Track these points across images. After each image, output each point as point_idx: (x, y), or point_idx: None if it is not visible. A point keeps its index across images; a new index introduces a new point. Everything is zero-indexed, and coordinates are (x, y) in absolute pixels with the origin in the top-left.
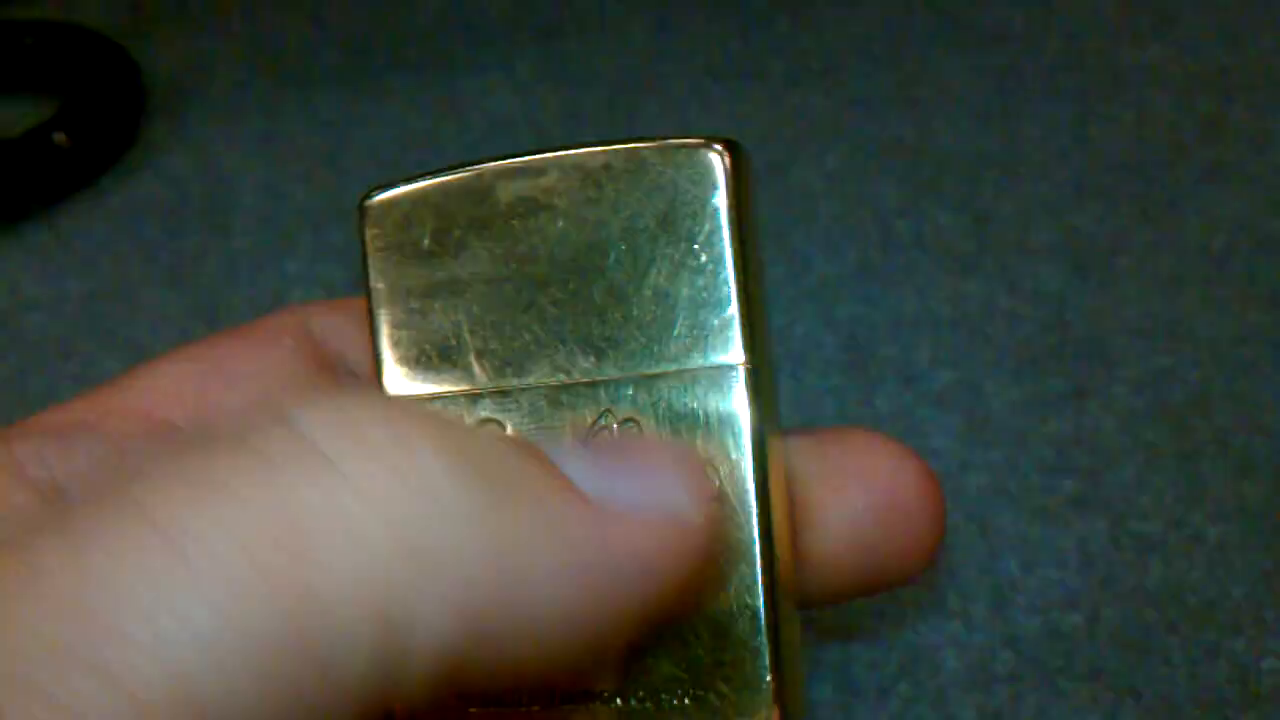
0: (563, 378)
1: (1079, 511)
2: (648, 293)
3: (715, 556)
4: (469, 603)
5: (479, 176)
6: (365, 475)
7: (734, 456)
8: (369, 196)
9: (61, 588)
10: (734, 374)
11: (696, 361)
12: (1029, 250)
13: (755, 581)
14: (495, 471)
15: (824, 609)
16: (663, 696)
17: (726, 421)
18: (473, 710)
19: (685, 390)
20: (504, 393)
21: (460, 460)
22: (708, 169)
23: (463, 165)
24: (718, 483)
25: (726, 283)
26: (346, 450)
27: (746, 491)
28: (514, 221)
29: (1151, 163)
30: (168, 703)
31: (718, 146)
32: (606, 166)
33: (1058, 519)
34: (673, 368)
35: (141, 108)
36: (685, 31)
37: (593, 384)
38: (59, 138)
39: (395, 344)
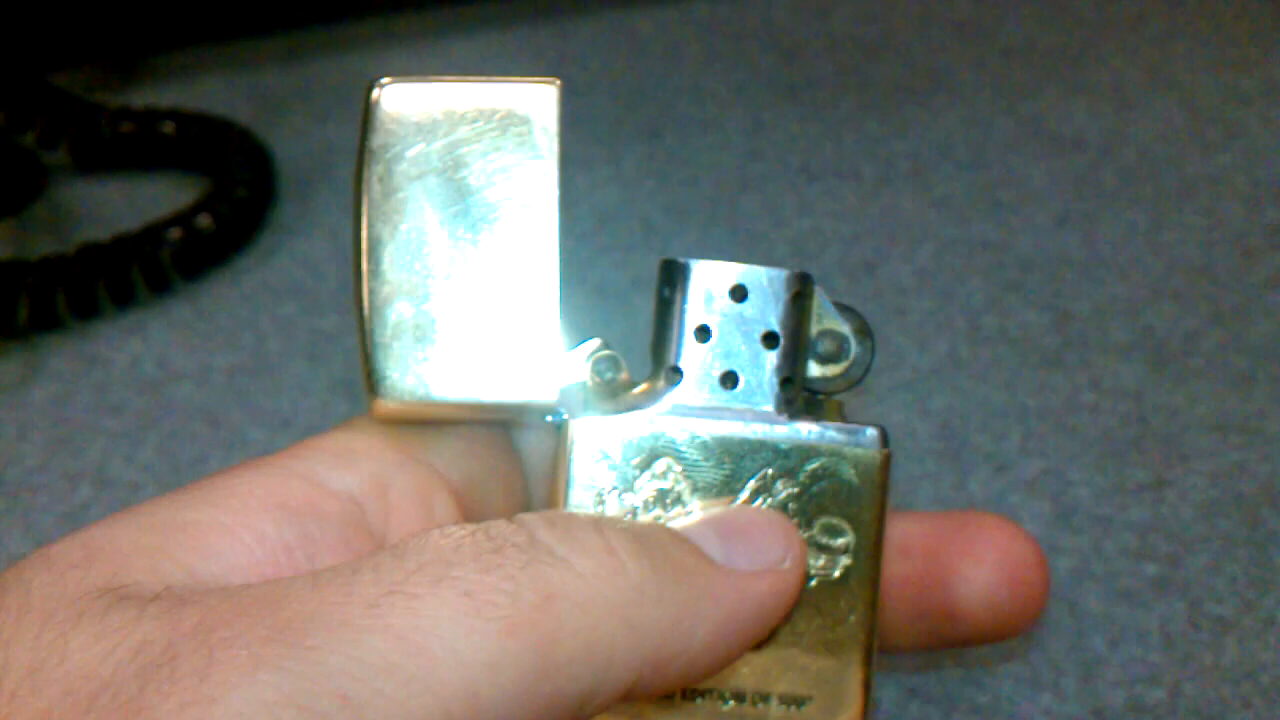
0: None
1: (1159, 594)
2: None
3: (801, 587)
4: (657, 653)
5: None
6: (583, 565)
7: (866, 519)
8: None
9: (389, 621)
10: (874, 457)
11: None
12: (1108, 348)
13: (864, 627)
14: (665, 557)
15: (951, 656)
16: (771, 700)
17: (863, 499)
18: None
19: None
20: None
21: (643, 551)
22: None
23: None
24: (849, 539)
25: None
26: (576, 555)
27: (868, 553)
28: None
29: (1222, 267)
30: (460, 705)
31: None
32: None
33: (1140, 600)
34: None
35: (274, 192)
36: (780, 132)
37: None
38: (203, 220)
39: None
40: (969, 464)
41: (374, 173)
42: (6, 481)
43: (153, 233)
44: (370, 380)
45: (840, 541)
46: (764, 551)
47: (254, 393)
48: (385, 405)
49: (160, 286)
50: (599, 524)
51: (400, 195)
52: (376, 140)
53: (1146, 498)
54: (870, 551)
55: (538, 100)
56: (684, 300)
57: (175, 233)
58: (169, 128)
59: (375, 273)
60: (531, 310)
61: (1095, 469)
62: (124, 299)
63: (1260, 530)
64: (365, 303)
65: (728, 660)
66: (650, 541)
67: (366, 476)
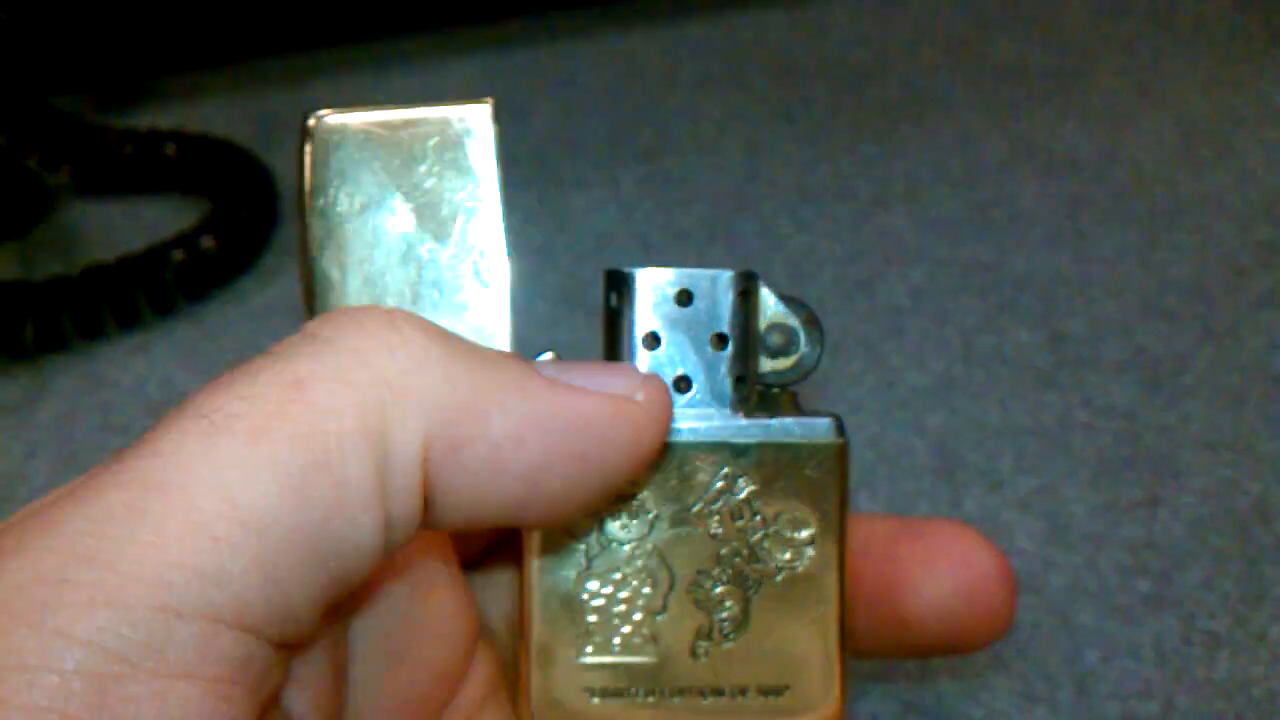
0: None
1: (1153, 609)
2: None
3: (660, 438)
4: (438, 428)
5: None
6: (358, 345)
7: (827, 509)
8: None
9: (128, 473)
10: (831, 446)
11: None
12: (1101, 367)
13: (833, 615)
14: (468, 347)
15: (946, 670)
16: (750, 692)
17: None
18: (595, 701)
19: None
20: None
21: (438, 335)
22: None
23: None
24: (812, 531)
25: None
26: (348, 334)
27: (833, 541)
28: None
29: (1213, 286)
30: (222, 516)
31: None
32: None
33: (1133, 616)
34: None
35: (276, 214)
36: (776, 154)
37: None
38: (206, 241)
39: None
40: (964, 482)
41: (316, 207)
42: (15, 500)
43: (156, 254)
44: None
45: (804, 534)
46: (606, 382)
47: None
48: None
49: (164, 308)
50: (393, 312)
51: (345, 227)
52: (316, 176)
53: (1139, 515)
54: (835, 540)
55: (472, 122)
56: (631, 309)
57: (179, 254)
58: (171, 150)
59: (326, 307)
60: (484, 329)
61: (1089, 486)
62: (128, 320)
63: (1251, 546)
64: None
65: (563, 482)
66: (453, 338)
67: None
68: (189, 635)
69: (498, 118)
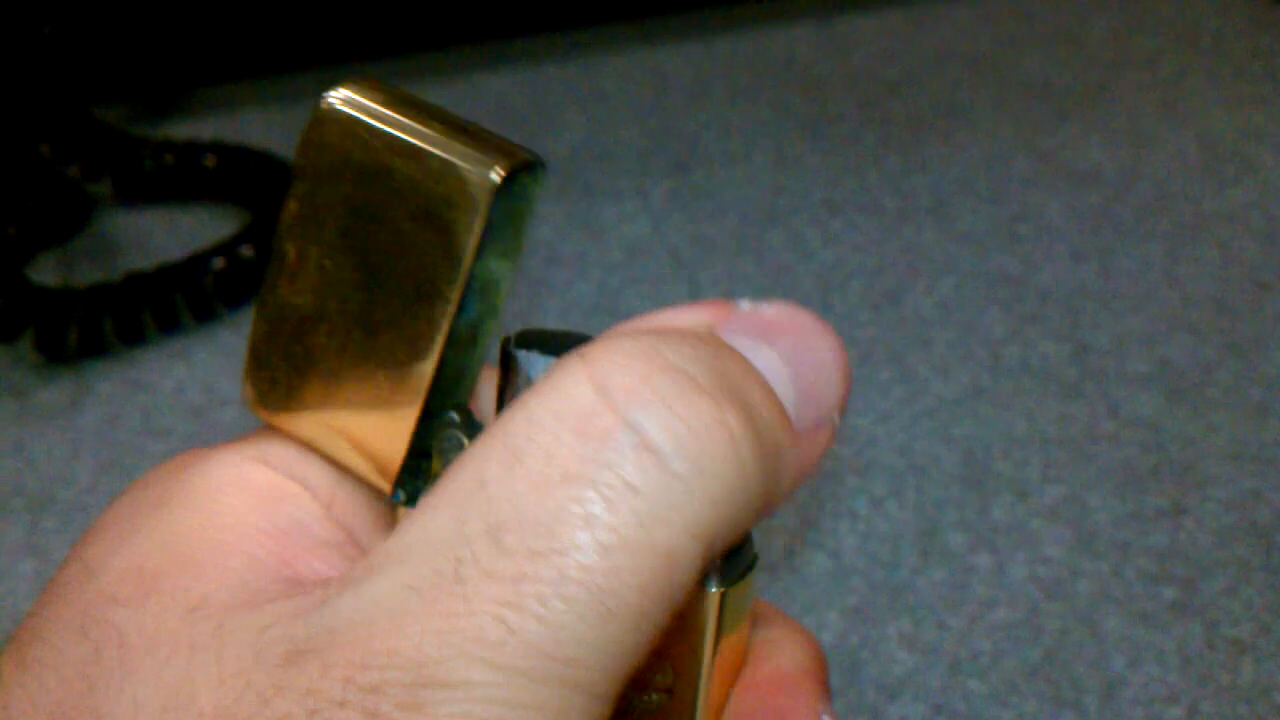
0: None
1: (1178, 616)
2: None
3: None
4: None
5: None
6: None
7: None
8: None
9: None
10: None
11: None
12: (1126, 378)
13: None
14: (767, 443)
15: (976, 675)
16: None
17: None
18: None
19: None
20: None
21: (750, 437)
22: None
23: None
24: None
25: None
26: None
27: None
28: None
29: (1236, 299)
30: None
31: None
32: None
33: (1159, 623)
34: None
35: None
36: (804, 167)
37: None
38: (245, 250)
39: None
40: (992, 491)
41: (298, 188)
42: (58, 501)
43: (197, 262)
44: (243, 380)
45: (659, 679)
46: (824, 401)
47: None
48: (253, 410)
49: (204, 314)
50: (699, 387)
51: (317, 228)
52: (308, 159)
53: (1165, 524)
54: (695, 699)
55: (469, 189)
56: (515, 391)
57: (219, 262)
58: (210, 160)
59: (274, 286)
60: (402, 389)
61: (1115, 496)
62: (169, 326)
63: (1275, 555)
64: (259, 309)
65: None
66: (751, 414)
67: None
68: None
69: (511, 190)
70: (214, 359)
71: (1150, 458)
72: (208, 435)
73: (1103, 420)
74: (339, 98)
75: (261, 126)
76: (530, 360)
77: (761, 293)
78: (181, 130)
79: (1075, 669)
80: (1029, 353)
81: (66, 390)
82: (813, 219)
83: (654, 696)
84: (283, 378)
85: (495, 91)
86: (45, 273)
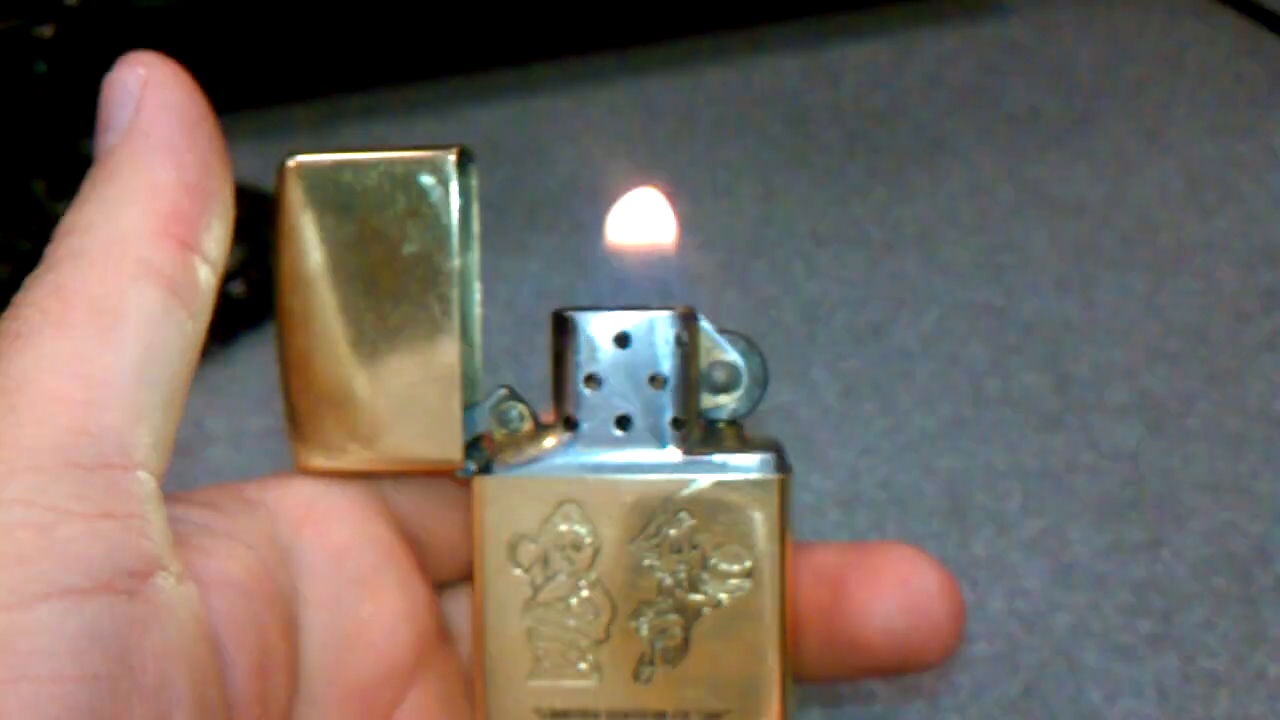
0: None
1: (1154, 649)
2: None
3: None
4: None
5: None
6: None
7: (764, 543)
8: None
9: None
10: (770, 481)
11: None
12: (1107, 410)
13: (774, 643)
14: None
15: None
16: (686, 718)
17: (761, 522)
18: None
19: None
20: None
21: None
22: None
23: None
24: (749, 563)
25: None
26: None
27: (772, 573)
28: None
29: (1217, 330)
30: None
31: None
32: None
33: (1136, 655)
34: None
35: None
36: (790, 198)
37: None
38: (237, 287)
39: None
40: (972, 524)
41: (286, 249)
42: None
43: None
44: (292, 444)
45: (743, 566)
46: None
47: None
48: (306, 466)
49: None
50: None
51: (314, 270)
52: (288, 220)
53: (1143, 556)
54: (774, 570)
55: (435, 169)
56: (573, 351)
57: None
58: None
59: (292, 344)
60: (436, 372)
61: (1094, 528)
62: None
63: (1251, 587)
64: (285, 371)
65: None
66: None
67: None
68: (100, 481)
69: (465, 166)
70: (204, 396)
71: (1129, 490)
72: (197, 473)
73: (1083, 452)
74: (295, 159)
75: (254, 161)
76: (583, 317)
77: (746, 325)
78: None
79: (1053, 703)
80: (1011, 384)
81: None
82: (798, 250)
83: (735, 582)
84: (329, 424)
85: (484, 126)
86: None
